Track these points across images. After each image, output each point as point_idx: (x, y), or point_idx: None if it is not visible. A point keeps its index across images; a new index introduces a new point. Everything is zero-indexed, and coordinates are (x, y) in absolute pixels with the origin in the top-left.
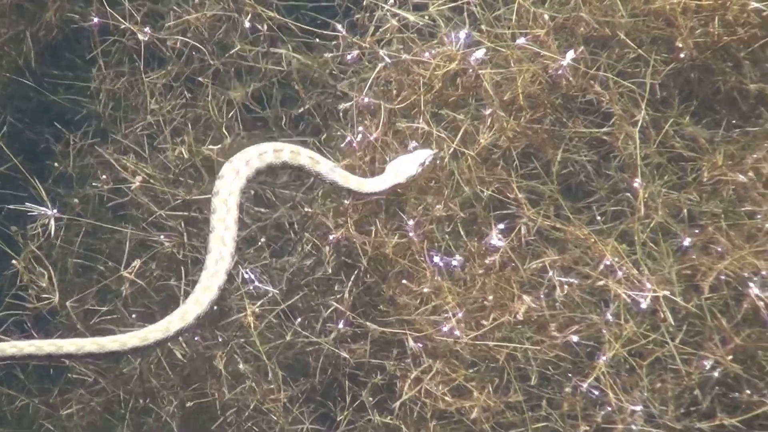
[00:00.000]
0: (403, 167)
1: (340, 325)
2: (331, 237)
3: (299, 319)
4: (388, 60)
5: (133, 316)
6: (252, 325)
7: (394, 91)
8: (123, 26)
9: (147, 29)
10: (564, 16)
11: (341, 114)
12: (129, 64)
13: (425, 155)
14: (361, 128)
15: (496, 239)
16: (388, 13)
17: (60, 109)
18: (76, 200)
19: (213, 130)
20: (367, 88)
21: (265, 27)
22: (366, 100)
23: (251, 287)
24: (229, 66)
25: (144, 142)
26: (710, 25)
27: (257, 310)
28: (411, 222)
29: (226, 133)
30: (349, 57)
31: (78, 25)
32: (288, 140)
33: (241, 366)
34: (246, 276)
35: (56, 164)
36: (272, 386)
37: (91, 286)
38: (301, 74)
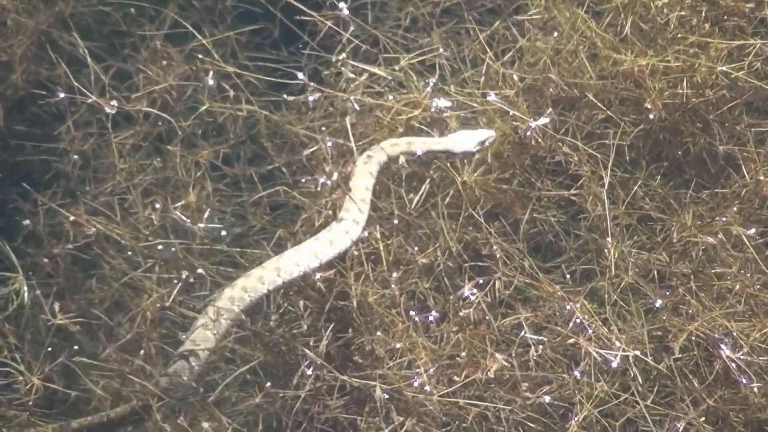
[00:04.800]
0: (462, 140)
1: (309, 371)
2: (317, 275)
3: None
4: (356, 107)
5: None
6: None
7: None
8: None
9: (114, 102)
10: (533, 77)
11: (305, 159)
12: (97, 125)
13: (487, 135)
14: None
15: (468, 292)
16: (349, 71)
17: (29, 167)
18: (45, 260)
19: (180, 190)
20: (349, 132)
21: (231, 92)
22: (330, 143)
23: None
24: (196, 126)
25: (114, 203)
26: (679, 87)
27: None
28: (395, 274)
29: (193, 193)
30: (311, 99)
31: (45, 101)
32: None
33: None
34: None
35: (25, 223)
36: None
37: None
38: (270, 132)
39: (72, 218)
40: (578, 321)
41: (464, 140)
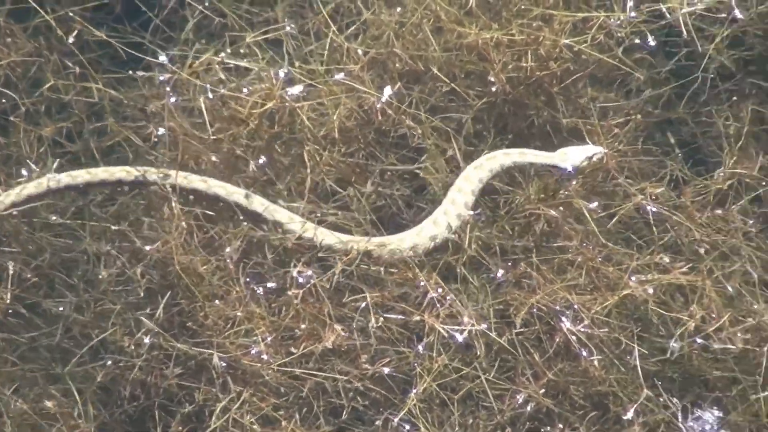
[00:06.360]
0: (572, 155)
1: (147, 340)
2: (147, 248)
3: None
4: (210, 95)
5: None
6: None
7: (208, 124)
8: None
9: None
10: (377, 51)
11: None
12: None
13: (595, 151)
14: None
15: (296, 274)
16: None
17: None
18: None
19: (22, 166)
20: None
21: (77, 68)
22: (161, 131)
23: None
24: (39, 103)
25: None
26: (523, 60)
27: None
28: (228, 249)
29: (36, 168)
30: (161, 78)
31: None
32: None
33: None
34: None
35: None
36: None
37: None
38: (113, 108)
39: None
40: (430, 297)
41: (576, 156)
